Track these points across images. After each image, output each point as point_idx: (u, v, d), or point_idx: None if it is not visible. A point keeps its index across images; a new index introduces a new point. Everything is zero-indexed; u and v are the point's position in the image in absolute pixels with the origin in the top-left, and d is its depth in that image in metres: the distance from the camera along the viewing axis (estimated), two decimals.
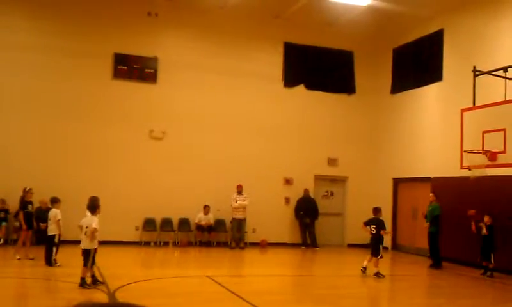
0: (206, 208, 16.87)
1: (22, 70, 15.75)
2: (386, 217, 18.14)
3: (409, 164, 17.35)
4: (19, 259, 12.32)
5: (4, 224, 14.94)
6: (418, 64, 17.50)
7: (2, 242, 14.79)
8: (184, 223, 17.00)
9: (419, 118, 17.21)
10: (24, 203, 13.06)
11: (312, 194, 18.25)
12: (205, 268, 13.20)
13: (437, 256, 14.03)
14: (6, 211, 15.04)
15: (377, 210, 12.66)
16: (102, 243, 15.29)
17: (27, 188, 13.50)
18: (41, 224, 15.21)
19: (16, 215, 14.43)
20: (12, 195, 14.64)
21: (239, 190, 16.90)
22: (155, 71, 17.09)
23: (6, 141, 15.43)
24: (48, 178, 15.51)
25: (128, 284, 9.83)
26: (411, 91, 17.62)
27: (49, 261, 11.71)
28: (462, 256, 14.27)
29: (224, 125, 17.59)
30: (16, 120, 15.59)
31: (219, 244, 17.11)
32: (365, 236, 18.45)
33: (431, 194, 14.67)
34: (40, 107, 15.82)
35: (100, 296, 8.87)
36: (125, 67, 16.80)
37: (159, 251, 16.13)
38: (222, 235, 17.33)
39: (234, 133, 17.68)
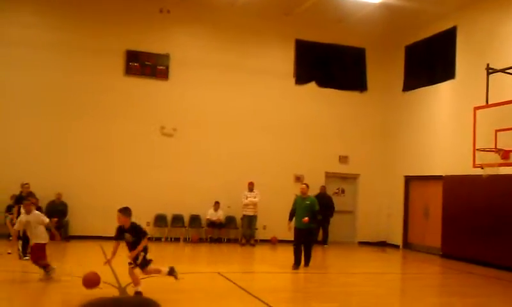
0: (216, 205, 16.92)
1: (33, 66, 15.88)
2: (398, 215, 18.14)
3: (421, 162, 17.26)
4: (9, 253, 12.42)
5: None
6: (430, 61, 17.39)
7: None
8: (195, 219, 17.07)
9: (431, 116, 17.10)
10: (20, 198, 13.26)
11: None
12: (215, 265, 13.26)
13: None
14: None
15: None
16: (111, 239, 15.53)
17: (24, 183, 13.81)
18: (52, 219, 15.32)
19: (8, 210, 14.56)
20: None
21: (250, 187, 16.92)
22: (167, 68, 17.13)
23: (17, 138, 15.56)
24: (58, 173, 15.67)
25: (139, 279, 9.84)
26: (423, 88, 17.51)
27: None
28: (473, 255, 14.18)
29: (235, 121, 17.62)
30: (28, 117, 15.74)
31: (230, 241, 17.15)
32: (376, 234, 18.53)
33: (303, 185, 12.85)
34: (51, 104, 15.97)
35: (112, 291, 8.92)
36: (137, 64, 16.87)
37: (170, 246, 16.20)
38: (233, 232, 17.38)
39: (245, 130, 17.70)
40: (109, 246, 14.17)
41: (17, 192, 14.38)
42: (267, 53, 18.24)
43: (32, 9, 16.20)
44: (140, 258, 8.19)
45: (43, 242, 9.77)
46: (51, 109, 15.92)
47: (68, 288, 9.23)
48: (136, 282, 8.19)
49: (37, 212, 10.10)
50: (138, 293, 8.03)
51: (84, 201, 15.92)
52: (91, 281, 8.07)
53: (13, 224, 12.70)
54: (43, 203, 15.41)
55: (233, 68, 17.65)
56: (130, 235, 8.17)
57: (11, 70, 15.71)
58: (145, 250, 8.39)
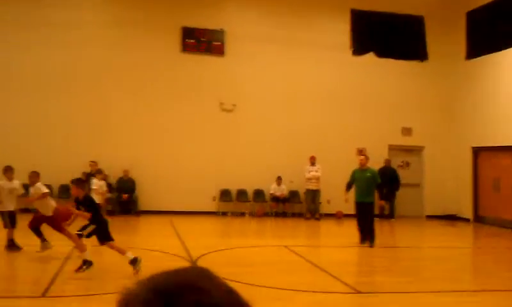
0: (279, 180, 16.95)
1: (92, 46, 16.20)
2: (466, 187, 17.54)
3: (489, 132, 16.54)
4: None
5: None
6: (494, 27, 16.49)
7: None
8: (259, 194, 17.18)
9: (498, 84, 16.31)
10: (89, 175, 14.05)
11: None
12: (281, 238, 13.32)
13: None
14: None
15: None
16: (182, 213, 15.97)
17: (92, 161, 14.19)
18: (123, 195, 15.92)
19: None
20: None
21: (312, 161, 16.82)
22: (222, 44, 17.14)
23: (85, 117, 16.03)
24: (126, 151, 16.10)
25: (208, 253, 10.06)
26: (487, 56, 16.67)
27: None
28: None
29: (294, 95, 17.46)
30: (87, 94, 16.12)
31: (294, 215, 17.18)
32: (444, 207, 17.99)
33: (362, 157, 12.38)
34: (110, 82, 16.29)
35: (181, 263, 9.13)
36: (193, 40, 16.96)
37: (236, 221, 16.42)
38: (297, 206, 17.38)
39: (305, 103, 17.50)
40: (178, 220, 14.67)
41: (88, 170, 14.94)
42: (322, 25, 17.85)
43: None
44: (89, 229, 8.16)
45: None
46: (108, 87, 16.24)
47: (145, 262, 9.49)
48: (81, 249, 8.21)
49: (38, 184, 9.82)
50: (85, 262, 8.07)
51: (151, 177, 16.34)
52: (62, 214, 8.20)
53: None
54: (112, 180, 16.00)
55: (290, 42, 17.40)
56: (84, 206, 8.22)
57: (73, 51, 16.07)
58: (98, 223, 8.22)
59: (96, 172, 13.98)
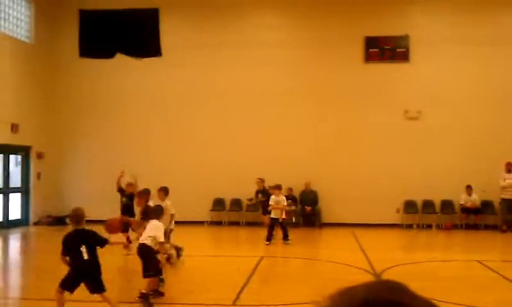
0: (468, 189, 15.84)
1: (276, 64, 16.92)
2: None
3: None
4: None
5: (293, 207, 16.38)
6: None
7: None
8: (447, 205, 16.26)
9: None
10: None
11: None
12: (472, 253, 12.45)
13: None
14: (294, 198, 16.44)
15: None
16: (364, 225, 15.85)
17: (259, 178, 14.40)
18: (306, 207, 16.31)
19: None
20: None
21: (509, 168, 15.41)
22: (407, 49, 16.66)
23: (258, 134, 16.83)
24: (303, 164, 16.47)
25: (392, 266, 9.83)
26: None
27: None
28: None
29: (484, 95, 16.24)
30: (271, 111, 16.81)
31: (488, 227, 15.89)
32: None
33: None
34: (292, 99, 16.77)
35: (366, 277, 9.07)
36: (377, 49, 16.80)
37: (422, 233, 15.76)
38: (490, 218, 16.06)
39: (497, 103, 16.14)
40: (360, 233, 14.59)
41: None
42: (497, 19, 16.36)
43: (273, 12, 17.35)
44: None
45: None
46: (294, 104, 16.76)
47: (327, 273, 9.66)
48: None
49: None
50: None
51: (332, 189, 16.50)
52: (111, 226, 7.54)
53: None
54: (295, 193, 16.52)
55: (480, 41, 16.24)
56: None
57: (261, 69, 17.00)
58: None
59: (273, 187, 14.04)
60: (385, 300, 0.92)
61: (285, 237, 12.93)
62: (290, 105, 16.81)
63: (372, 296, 0.93)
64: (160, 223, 7.59)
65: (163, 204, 9.24)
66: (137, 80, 17.18)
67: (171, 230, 9.97)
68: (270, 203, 13.00)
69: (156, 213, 7.76)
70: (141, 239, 7.48)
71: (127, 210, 11.81)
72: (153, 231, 7.34)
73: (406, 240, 15.24)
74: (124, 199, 12.01)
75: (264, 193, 14.10)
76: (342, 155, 16.62)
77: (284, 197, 13.29)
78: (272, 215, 12.90)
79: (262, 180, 14.37)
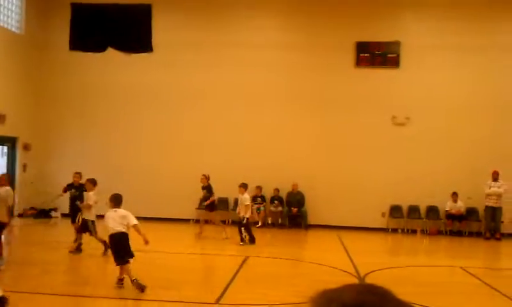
0: (454, 196, 15.97)
1: (267, 66, 16.91)
2: None
3: None
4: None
5: (262, 209, 16.40)
6: None
7: (260, 224, 16.26)
8: (432, 211, 16.38)
9: None
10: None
11: None
12: (456, 259, 12.59)
13: None
14: (262, 198, 16.49)
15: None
16: (349, 228, 15.92)
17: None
18: (292, 209, 16.35)
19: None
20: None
21: (495, 176, 15.55)
22: (398, 55, 16.76)
23: (263, 133, 16.85)
24: (291, 164, 16.51)
25: (376, 270, 9.89)
26: None
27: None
28: None
29: (472, 104, 16.35)
30: (266, 112, 16.85)
31: (472, 234, 16.04)
32: None
33: None
34: (284, 100, 16.83)
35: (350, 280, 9.11)
36: (367, 54, 16.88)
37: (407, 238, 15.85)
38: (475, 225, 16.21)
39: (483, 112, 16.26)
40: (345, 235, 14.65)
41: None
42: (502, 28, 16.52)
43: (267, 13, 17.35)
44: None
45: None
46: (285, 105, 16.83)
47: (312, 275, 9.69)
48: None
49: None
50: None
51: (319, 191, 16.55)
52: None
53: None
54: (282, 194, 16.57)
55: (471, 49, 16.40)
56: None
57: (251, 70, 17.00)
58: None
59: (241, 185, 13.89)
60: (370, 305, 0.92)
61: (242, 238, 12.58)
62: (279, 107, 16.84)
63: (356, 300, 0.94)
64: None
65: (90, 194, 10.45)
66: (127, 75, 17.13)
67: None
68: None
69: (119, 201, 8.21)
70: (114, 228, 7.84)
71: (75, 201, 11.52)
72: (126, 219, 7.91)
73: (390, 245, 15.34)
74: (73, 190, 11.60)
75: (209, 190, 13.69)
76: (330, 157, 16.67)
77: (248, 197, 12.78)
78: (238, 214, 12.79)
79: (206, 177, 13.79)
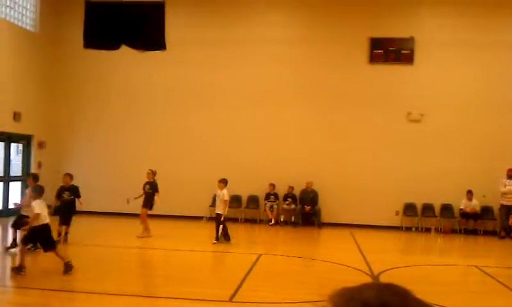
0: (469, 194, 15.83)
1: (280, 62, 16.91)
2: None
3: None
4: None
5: (275, 206, 16.40)
6: None
7: (273, 222, 16.25)
8: (447, 209, 16.25)
9: None
10: None
11: None
12: (470, 258, 12.47)
13: None
14: (275, 195, 16.48)
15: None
16: (363, 227, 15.85)
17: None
18: (305, 207, 16.30)
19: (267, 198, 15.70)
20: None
21: (510, 174, 15.38)
22: (412, 52, 16.63)
23: (278, 129, 16.84)
24: (305, 163, 16.47)
25: (390, 269, 9.84)
26: None
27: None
28: None
29: (488, 101, 16.19)
30: (272, 109, 16.82)
31: (487, 233, 15.89)
32: None
33: None
34: (295, 97, 16.76)
35: (364, 278, 9.08)
36: (381, 51, 16.77)
37: (421, 237, 15.75)
38: (490, 223, 16.05)
39: (500, 109, 16.08)
40: (359, 234, 14.59)
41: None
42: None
43: (278, 10, 17.33)
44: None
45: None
46: (296, 102, 16.76)
47: (325, 273, 9.67)
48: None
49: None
50: None
51: (333, 189, 16.49)
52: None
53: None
54: (295, 191, 16.54)
55: (485, 46, 16.21)
56: None
57: (264, 67, 16.99)
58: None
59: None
60: (391, 305, 0.91)
61: (218, 236, 12.19)
62: (293, 103, 16.81)
63: (377, 299, 0.93)
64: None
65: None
66: (140, 73, 17.21)
67: None
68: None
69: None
70: (44, 220, 8.49)
71: (69, 205, 11.58)
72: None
73: (404, 243, 15.25)
74: (67, 193, 11.55)
75: (153, 186, 13.23)
76: (344, 155, 16.60)
77: (225, 192, 12.23)
78: (216, 211, 12.45)
79: (153, 172, 13.38)
